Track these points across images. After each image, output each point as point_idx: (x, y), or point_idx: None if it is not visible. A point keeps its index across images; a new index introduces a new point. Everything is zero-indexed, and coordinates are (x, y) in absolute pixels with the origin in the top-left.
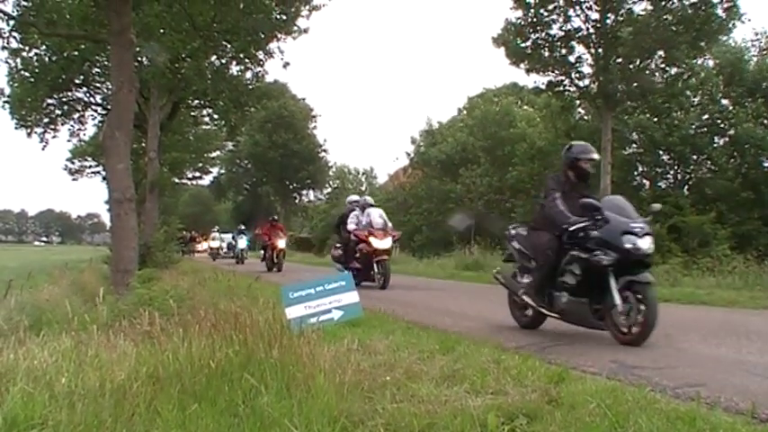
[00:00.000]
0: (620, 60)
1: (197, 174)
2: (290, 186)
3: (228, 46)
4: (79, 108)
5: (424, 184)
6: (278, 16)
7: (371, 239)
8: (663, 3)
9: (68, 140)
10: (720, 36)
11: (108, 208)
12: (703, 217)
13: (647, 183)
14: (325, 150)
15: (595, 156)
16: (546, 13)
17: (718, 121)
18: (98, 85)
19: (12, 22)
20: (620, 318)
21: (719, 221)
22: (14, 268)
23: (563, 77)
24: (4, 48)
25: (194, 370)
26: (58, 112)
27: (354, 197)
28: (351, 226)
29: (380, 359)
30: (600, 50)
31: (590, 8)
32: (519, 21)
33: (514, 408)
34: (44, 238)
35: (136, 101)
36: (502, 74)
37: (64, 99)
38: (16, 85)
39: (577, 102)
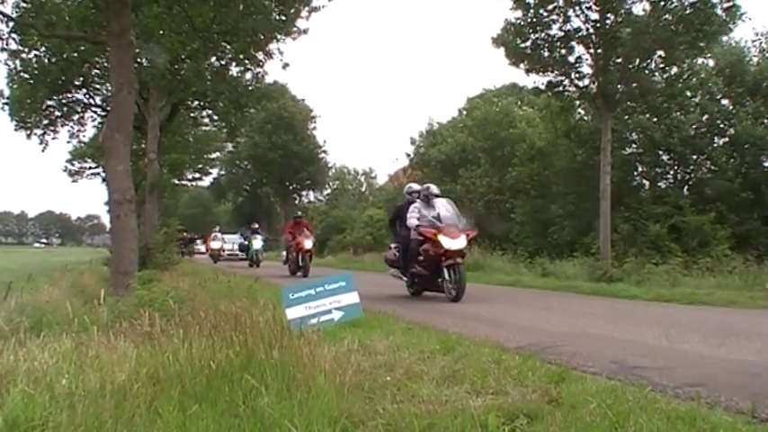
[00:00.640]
0: (619, 61)
1: (197, 175)
2: (290, 187)
3: (228, 47)
4: (79, 109)
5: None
6: (277, 17)
7: (441, 238)
8: (662, 3)
9: (68, 142)
10: (720, 36)
11: (108, 209)
12: (703, 217)
13: (646, 183)
14: (324, 151)
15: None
16: (545, 14)
17: (718, 122)
18: (98, 86)
19: (11, 24)
20: None
21: (719, 221)
22: (14, 270)
23: (563, 78)
24: (3, 49)
25: (195, 371)
26: (57, 113)
27: (414, 186)
28: (412, 221)
29: (381, 359)
30: (599, 51)
31: (589, 8)
32: (518, 21)
33: (515, 408)
34: (44, 240)
35: (135, 102)
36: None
37: (63, 100)
38: (16, 86)
39: (577, 102)
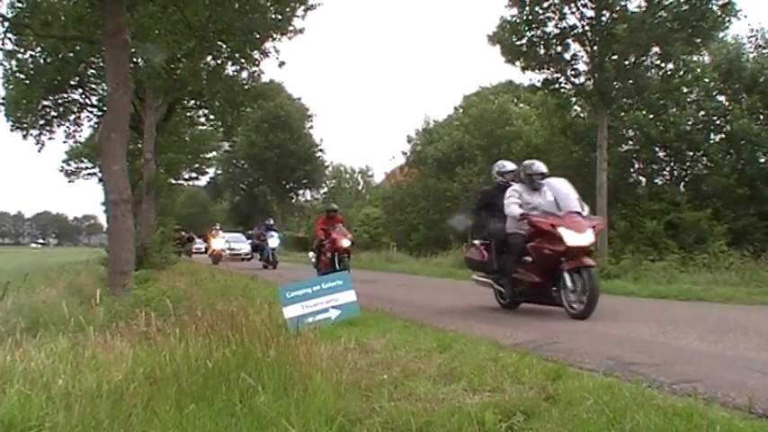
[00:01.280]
0: (615, 57)
1: (193, 174)
2: (287, 186)
3: (224, 46)
4: (75, 109)
5: (420, 182)
6: (273, 16)
7: (562, 231)
8: (657, 0)
9: (64, 142)
10: (716, 32)
11: (104, 209)
12: (700, 213)
13: (643, 180)
14: (321, 150)
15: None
16: (541, 11)
17: (714, 118)
18: (93, 86)
19: (6, 24)
20: None
21: (716, 218)
22: (11, 270)
23: (558, 75)
24: None
25: (191, 370)
26: (53, 113)
27: (508, 164)
28: (513, 209)
29: (377, 358)
30: (595, 48)
31: (585, 5)
32: (514, 18)
33: (512, 405)
34: (41, 240)
35: (131, 102)
36: (498, 72)
37: (59, 101)
38: (11, 86)
39: (573, 99)
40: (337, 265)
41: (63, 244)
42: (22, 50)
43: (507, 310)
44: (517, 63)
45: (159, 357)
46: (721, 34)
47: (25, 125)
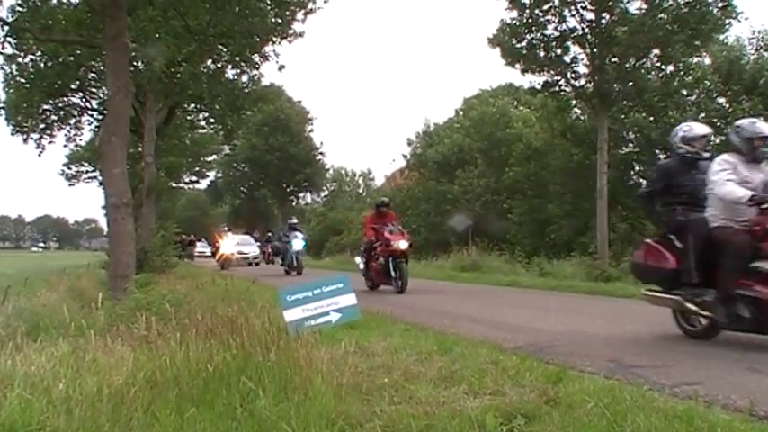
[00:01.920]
0: (615, 60)
1: (194, 178)
2: (287, 189)
3: (224, 50)
4: (75, 113)
5: (420, 185)
6: (273, 20)
7: None
8: (658, 2)
9: (65, 146)
10: (716, 35)
11: (105, 213)
12: None
13: (643, 182)
14: (321, 153)
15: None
16: (541, 14)
17: (715, 120)
18: (94, 90)
19: (7, 28)
20: None
21: None
22: (12, 274)
23: (559, 78)
24: None
25: (192, 374)
26: (53, 117)
27: (698, 128)
28: (731, 188)
29: (378, 361)
30: (595, 50)
31: (585, 8)
32: (514, 21)
33: (512, 408)
34: (41, 244)
35: (132, 105)
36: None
37: (60, 104)
38: (12, 90)
39: (573, 102)
40: (392, 272)
41: (64, 248)
42: (22, 54)
43: (504, 310)
44: (517, 66)
45: (160, 361)
46: (722, 36)
47: (26, 129)
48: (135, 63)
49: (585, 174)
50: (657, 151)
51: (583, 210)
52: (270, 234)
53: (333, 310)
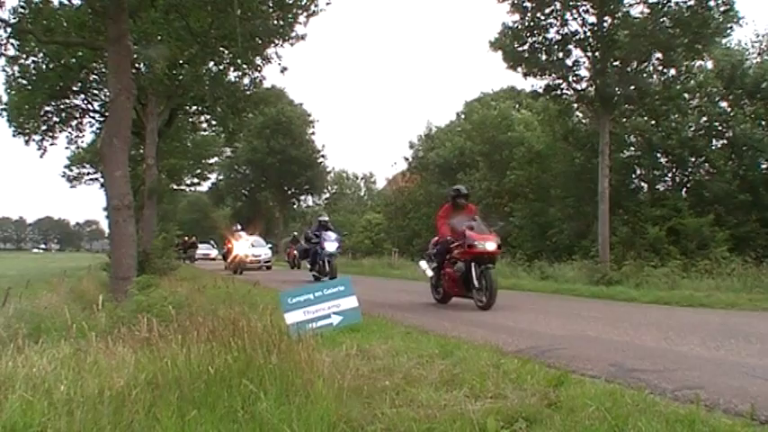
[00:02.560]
0: (617, 63)
1: (195, 180)
2: (289, 192)
3: (226, 52)
4: (77, 115)
5: (422, 188)
6: (275, 22)
7: None
8: (660, 6)
9: (66, 147)
10: (718, 39)
11: (106, 215)
12: (702, 219)
13: (645, 186)
14: (323, 156)
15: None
16: (543, 17)
17: (717, 124)
18: (96, 92)
19: (9, 30)
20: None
21: (718, 224)
22: (13, 276)
23: (560, 81)
24: (1, 55)
25: (193, 376)
26: (55, 119)
27: None
28: None
29: (379, 364)
30: (597, 54)
31: (587, 11)
32: (516, 25)
33: (514, 411)
34: (43, 246)
35: (133, 108)
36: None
37: (62, 106)
38: (14, 92)
39: (575, 105)
40: (475, 282)
41: (65, 249)
42: (24, 56)
43: (505, 313)
44: (519, 69)
45: (161, 363)
46: (725, 40)
47: (27, 131)
48: (137, 65)
49: (587, 177)
50: (659, 155)
51: (584, 213)
52: (295, 234)
53: (334, 313)
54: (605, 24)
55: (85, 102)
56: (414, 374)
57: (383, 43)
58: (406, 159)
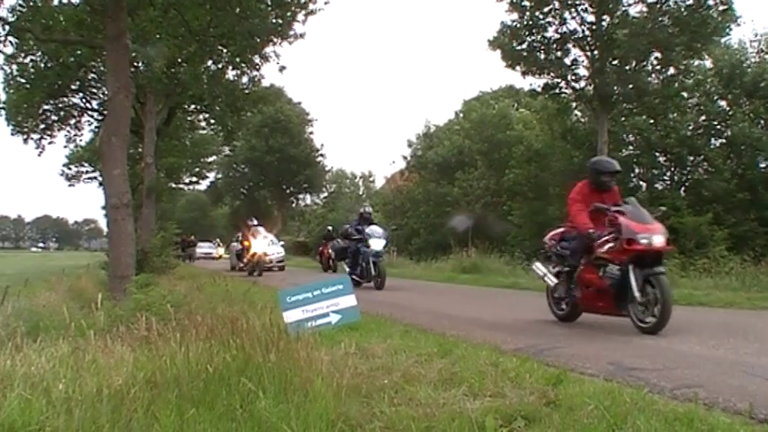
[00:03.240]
0: (615, 62)
1: (194, 179)
2: (287, 191)
3: (224, 50)
4: (75, 114)
5: (420, 187)
6: (274, 21)
7: None
8: (658, 5)
9: (65, 146)
10: (716, 38)
11: (105, 213)
12: (700, 218)
13: (643, 184)
14: (321, 154)
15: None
16: (541, 16)
17: (715, 123)
18: (94, 90)
19: (7, 28)
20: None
21: (716, 222)
22: (11, 275)
23: (559, 80)
24: None
25: (192, 375)
26: (54, 117)
27: None
28: None
29: (378, 362)
30: (595, 52)
31: (585, 10)
32: (515, 23)
33: (512, 410)
34: (41, 244)
35: (132, 106)
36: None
37: (60, 105)
38: (12, 91)
39: (573, 104)
40: (636, 293)
41: (63, 248)
42: (22, 55)
43: (504, 312)
44: (518, 68)
45: (160, 362)
46: (724, 39)
47: (26, 129)
48: (135, 63)
49: (585, 176)
50: (657, 154)
51: None
52: (329, 229)
53: (333, 312)
54: (604, 23)
55: (84, 100)
56: (412, 373)
57: (382, 42)
58: (405, 158)
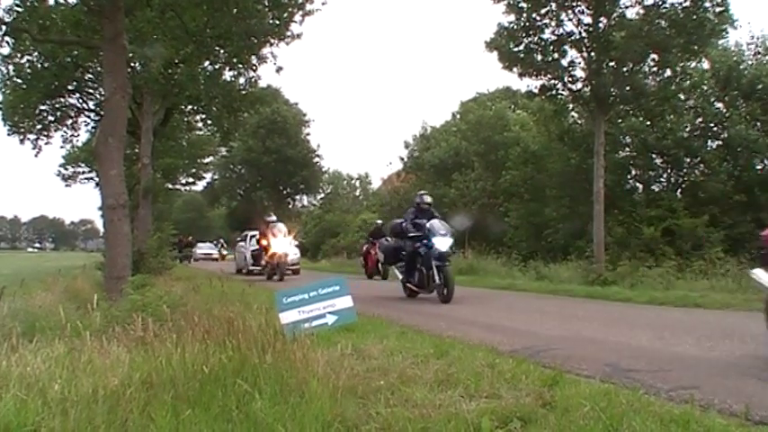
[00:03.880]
0: (612, 64)
1: (190, 179)
2: (284, 192)
3: (221, 51)
4: (72, 114)
5: (417, 188)
6: (271, 21)
7: None
8: (655, 7)
9: (61, 146)
10: (713, 40)
11: (101, 214)
12: (697, 220)
13: (640, 186)
14: (318, 155)
15: None
16: (538, 18)
17: (712, 125)
18: (91, 91)
19: (4, 28)
20: None
21: (713, 224)
22: (7, 275)
23: (556, 81)
24: None
25: (188, 375)
26: (50, 118)
27: None
28: None
29: (374, 364)
30: (592, 54)
31: (582, 12)
32: (511, 25)
33: (508, 411)
34: (37, 245)
35: (129, 107)
36: (495, 78)
37: (57, 105)
38: (9, 91)
39: (570, 106)
40: None
41: (60, 248)
42: (19, 55)
43: (501, 313)
44: (514, 69)
45: (156, 363)
46: (721, 41)
47: (22, 129)
48: (132, 64)
49: (582, 178)
50: (654, 155)
51: (579, 213)
52: (378, 223)
53: (329, 313)
54: (601, 25)
55: (81, 101)
56: (409, 374)
57: (379, 43)
58: (402, 159)
